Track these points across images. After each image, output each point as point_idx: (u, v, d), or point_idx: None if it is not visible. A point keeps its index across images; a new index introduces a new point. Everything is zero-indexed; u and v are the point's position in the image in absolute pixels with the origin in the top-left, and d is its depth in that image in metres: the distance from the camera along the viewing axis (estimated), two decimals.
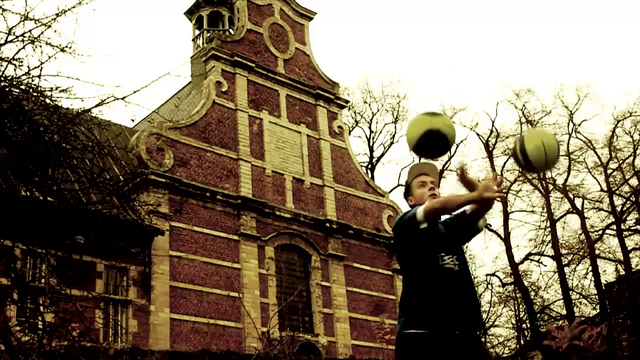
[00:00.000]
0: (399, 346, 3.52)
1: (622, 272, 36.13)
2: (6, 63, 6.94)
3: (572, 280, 38.54)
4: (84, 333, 8.20)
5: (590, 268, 36.60)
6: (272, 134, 24.50)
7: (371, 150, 40.57)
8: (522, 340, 41.26)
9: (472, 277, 3.63)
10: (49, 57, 7.00)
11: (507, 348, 43.18)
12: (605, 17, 70.18)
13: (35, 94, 6.96)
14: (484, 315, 43.68)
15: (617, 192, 36.54)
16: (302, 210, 23.98)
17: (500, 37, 73.29)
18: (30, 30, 7.04)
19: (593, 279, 36.16)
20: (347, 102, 29.14)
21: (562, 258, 37.08)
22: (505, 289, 41.91)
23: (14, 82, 6.94)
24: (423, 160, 4.13)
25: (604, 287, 35.64)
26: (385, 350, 22.15)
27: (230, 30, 28.42)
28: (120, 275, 18.64)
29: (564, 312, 37.03)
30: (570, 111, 37.87)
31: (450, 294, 3.52)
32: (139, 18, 75.66)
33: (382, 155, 40.80)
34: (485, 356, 3.57)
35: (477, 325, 3.58)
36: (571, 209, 37.58)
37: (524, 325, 41.50)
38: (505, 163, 39.16)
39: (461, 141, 40.63)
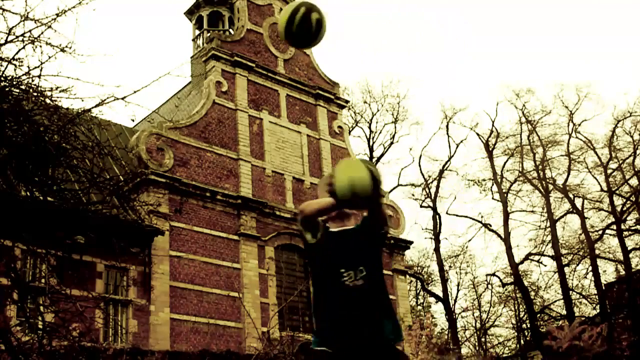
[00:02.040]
0: None
1: (622, 272, 36.14)
2: (6, 63, 6.93)
3: (572, 280, 38.58)
4: (84, 333, 8.19)
5: (590, 268, 36.62)
6: (272, 134, 24.49)
7: (371, 150, 40.58)
8: (522, 340, 41.27)
9: (381, 288, 3.35)
10: (49, 57, 6.98)
11: (507, 348, 43.22)
12: (605, 17, 70.18)
13: (35, 94, 6.95)
14: (484, 315, 43.69)
15: (617, 192, 36.55)
16: None
17: (500, 37, 73.27)
18: (30, 30, 7.03)
19: (593, 279, 36.18)
20: (347, 102, 29.12)
21: (562, 258, 37.09)
22: (505, 289, 41.93)
23: (14, 82, 6.93)
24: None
25: (604, 287, 35.64)
26: None
27: (230, 30, 28.41)
28: (120, 275, 18.62)
29: (564, 312, 37.05)
30: (570, 111, 37.91)
31: (348, 313, 3.31)
32: (139, 18, 75.66)
33: (382, 155, 40.82)
34: None
35: (371, 342, 3.30)
36: (571, 209, 37.60)
37: (524, 325, 41.51)
38: (505, 163, 39.22)
39: (461, 141, 40.71)
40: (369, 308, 3.31)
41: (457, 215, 41.15)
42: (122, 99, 7.23)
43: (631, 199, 35.96)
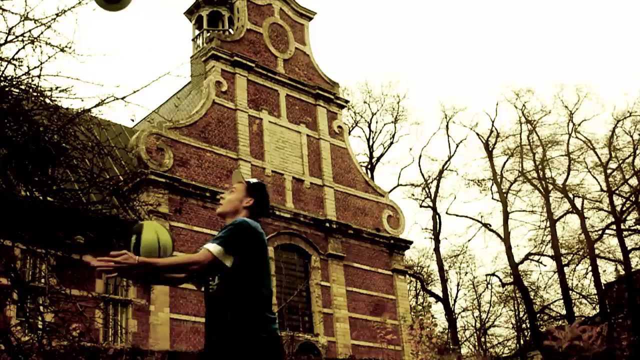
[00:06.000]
0: None
1: (622, 272, 36.15)
2: (6, 63, 6.93)
3: (572, 280, 38.60)
4: (84, 333, 8.20)
5: (590, 268, 36.63)
6: (271, 134, 24.49)
7: (371, 150, 40.60)
8: (522, 340, 41.29)
9: (235, 298, 3.60)
10: (49, 57, 6.97)
11: (507, 348, 43.20)
12: (606, 17, 70.19)
13: (35, 94, 6.95)
14: (484, 315, 43.70)
15: (617, 192, 36.56)
16: (302, 210, 23.98)
17: (500, 36, 73.27)
18: (30, 30, 7.02)
19: (593, 279, 36.19)
20: (346, 102, 29.13)
21: (562, 258, 37.11)
22: (505, 289, 41.95)
23: (14, 82, 6.93)
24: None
25: (604, 287, 35.66)
26: (385, 350, 22.15)
27: (230, 30, 28.41)
28: None
29: (564, 312, 37.06)
30: (570, 111, 37.92)
31: (207, 314, 3.75)
32: (139, 18, 75.70)
33: (382, 155, 40.83)
34: None
35: (214, 345, 3.60)
36: (571, 209, 37.61)
37: (524, 325, 41.53)
38: (505, 163, 39.23)
39: (461, 141, 40.72)
40: (218, 313, 3.64)
41: (457, 215, 41.18)
42: (122, 99, 7.22)
43: (631, 198, 35.98)
